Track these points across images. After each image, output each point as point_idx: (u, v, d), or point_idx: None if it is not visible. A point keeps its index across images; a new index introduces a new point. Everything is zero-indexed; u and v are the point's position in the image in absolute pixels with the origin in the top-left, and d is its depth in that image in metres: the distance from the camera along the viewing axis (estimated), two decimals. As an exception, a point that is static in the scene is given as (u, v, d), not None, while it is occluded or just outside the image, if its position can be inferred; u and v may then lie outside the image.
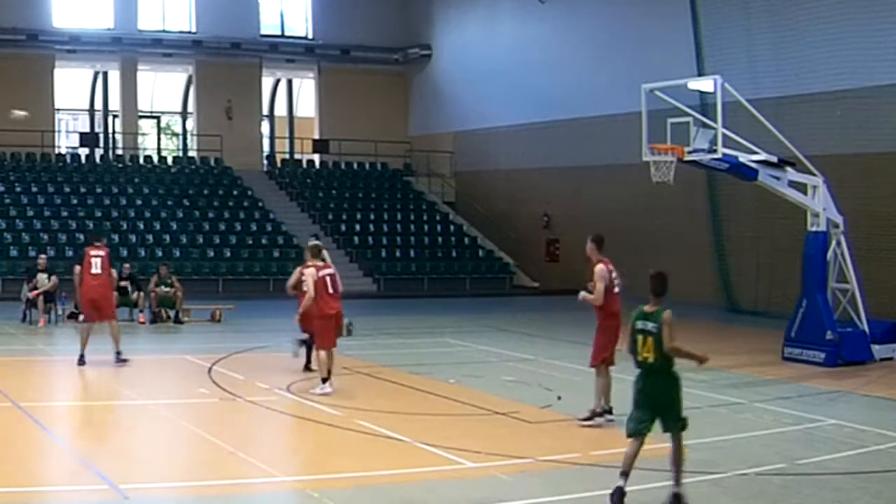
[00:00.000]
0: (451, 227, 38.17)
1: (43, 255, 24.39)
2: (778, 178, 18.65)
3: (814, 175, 18.86)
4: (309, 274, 15.37)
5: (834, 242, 18.89)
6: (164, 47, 38.89)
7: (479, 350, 19.91)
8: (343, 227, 36.06)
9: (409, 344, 21.20)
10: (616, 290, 12.82)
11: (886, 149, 23.79)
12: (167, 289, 23.71)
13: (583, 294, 12.80)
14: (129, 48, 38.12)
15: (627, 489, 9.10)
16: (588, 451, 11.31)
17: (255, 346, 19.72)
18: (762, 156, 18.49)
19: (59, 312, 23.21)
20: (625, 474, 9.09)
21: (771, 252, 26.40)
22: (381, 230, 36.82)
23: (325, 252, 16.29)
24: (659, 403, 9.27)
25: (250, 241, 34.35)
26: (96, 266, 17.16)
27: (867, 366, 18.34)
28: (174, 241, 33.29)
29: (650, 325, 9.17)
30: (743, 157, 18.25)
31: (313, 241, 16.26)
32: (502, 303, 31.61)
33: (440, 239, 37.24)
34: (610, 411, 12.62)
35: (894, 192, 23.68)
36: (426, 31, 41.38)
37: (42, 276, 22.92)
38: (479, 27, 38.73)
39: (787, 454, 11.38)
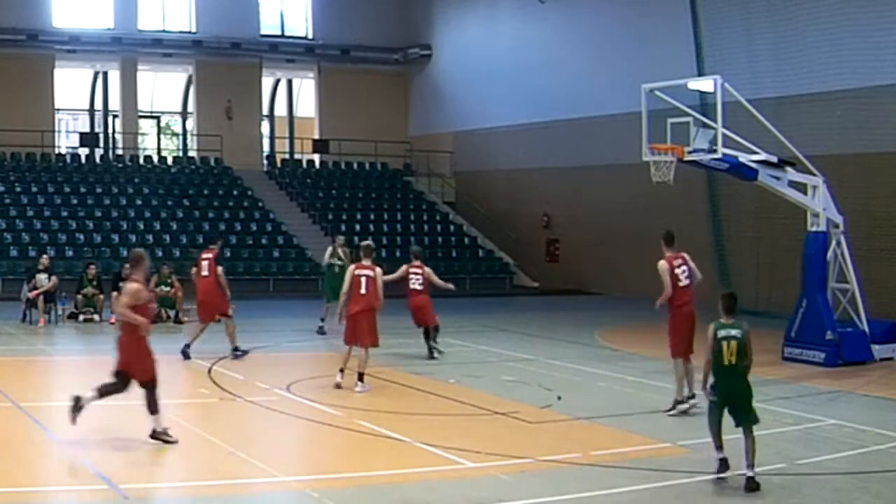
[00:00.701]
0: (451, 227, 38.17)
1: (45, 255, 24.33)
2: (778, 178, 18.65)
3: (814, 175, 18.86)
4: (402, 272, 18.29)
5: (834, 242, 18.88)
6: (164, 47, 38.89)
7: (479, 350, 19.91)
8: (343, 227, 35.98)
9: (409, 344, 21.18)
10: (682, 282, 13.80)
11: (886, 149, 23.78)
12: (167, 289, 23.68)
13: (659, 300, 13.79)
14: (129, 48, 38.11)
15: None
16: (588, 451, 11.31)
17: (255, 347, 19.71)
18: (762, 156, 18.48)
19: (59, 312, 23.18)
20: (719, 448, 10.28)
21: (771, 252, 26.39)
22: (381, 230, 36.81)
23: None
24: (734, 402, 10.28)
25: (250, 241, 34.35)
26: (204, 268, 18.41)
27: (867, 366, 18.34)
28: (174, 241, 33.27)
29: (734, 332, 10.55)
30: (743, 157, 18.25)
31: (366, 242, 16.11)
32: (502, 303, 31.60)
33: (440, 239, 37.24)
34: (693, 397, 13.32)
35: (894, 192, 23.66)
36: (426, 31, 41.37)
37: (42, 276, 22.89)
38: (479, 27, 38.72)
39: (787, 454, 11.37)
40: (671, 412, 13.43)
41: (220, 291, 18.34)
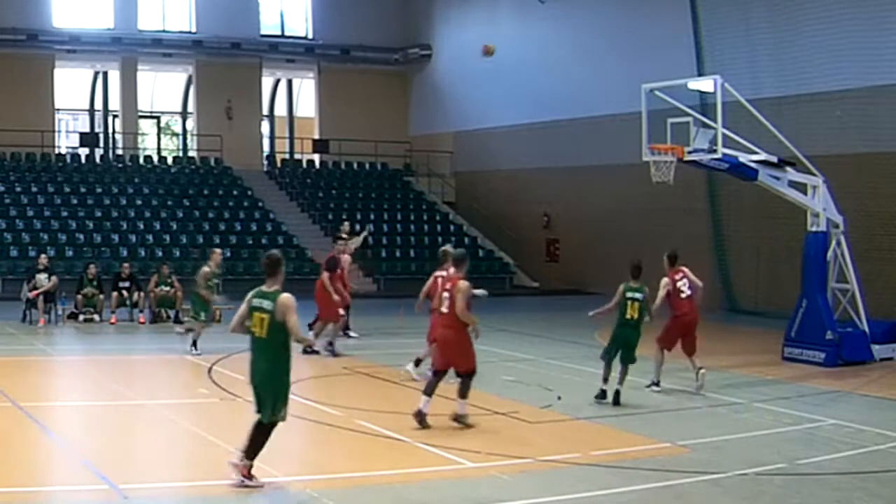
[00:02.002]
0: (451, 227, 38.16)
1: (44, 256, 24.25)
2: (778, 178, 18.65)
3: (814, 175, 18.86)
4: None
5: (834, 242, 18.89)
6: (164, 47, 38.88)
7: (479, 350, 19.82)
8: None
9: (409, 344, 21.15)
10: (684, 293, 15.49)
11: (886, 149, 23.79)
12: (167, 289, 23.69)
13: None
14: (129, 48, 38.10)
15: None
16: (588, 451, 11.31)
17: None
18: (762, 156, 18.49)
19: (59, 312, 23.18)
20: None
21: (771, 252, 26.40)
22: (382, 230, 36.82)
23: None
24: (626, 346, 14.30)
25: (250, 241, 34.33)
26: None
27: (867, 366, 18.35)
28: (174, 241, 33.27)
29: (638, 295, 14.25)
30: (743, 157, 18.25)
31: (447, 248, 15.66)
32: (502, 303, 31.58)
33: (440, 239, 37.17)
34: (657, 384, 15.28)
35: (894, 192, 23.67)
36: (426, 31, 41.37)
37: (41, 276, 22.87)
38: (479, 27, 38.68)
39: (787, 454, 11.38)
40: (649, 387, 15.26)
41: (327, 295, 18.76)
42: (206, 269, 19.38)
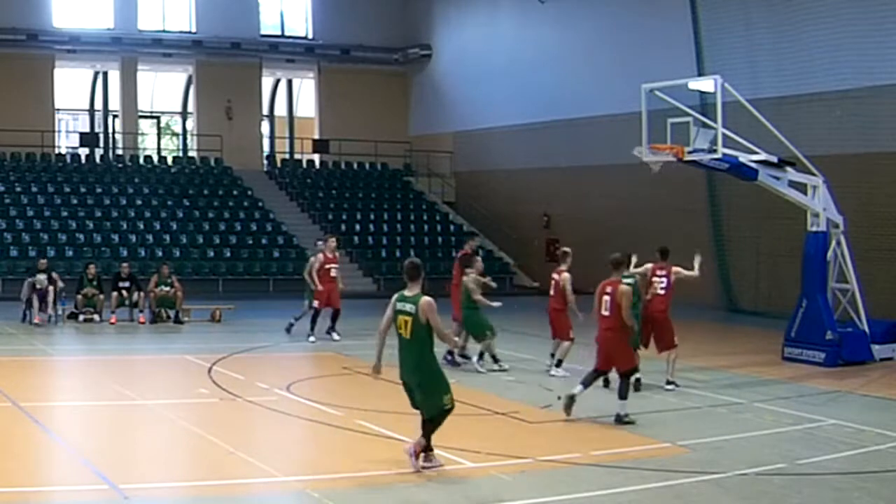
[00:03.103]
0: (451, 227, 38.17)
1: (44, 260, 24.18)
2: (778, 178, 18.64)
3: (814, 175, 18.85)
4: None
5: (834, 242, 18.88)
6: (164, 47, 38.89)
7: (478, 350, 19.86)
8: (343, 227, 36.04)
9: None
10: (657, 290, 15.58)
11: (886, 149, 23.79)
12: (167, 289, 23.69)
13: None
14: (129, 48, 38.11)
15: None
16: (588, 451, 11.31)
17: (255, 347, 19.73)
18: (762, 156, 18.47)
19: (59, 312, 23.19)
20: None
21: (771, 252, 26.40)
22: (381, 230, 36.82)
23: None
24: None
25: (250, 241, 34.36)
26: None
27: (867, 366, 18.35)
28: (174, 241, 33.29)
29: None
30: (743, 157, 18.24)
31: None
32: (502, 303, 31.53)
33: (440, 239, 37.23)
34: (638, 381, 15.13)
35: (894, 192, 23.67)
36: (426, 31, 41.37)
37: (41, 277, 22.87)
38: (479, 27, 38.71)
39: (787, 454, 11.38)
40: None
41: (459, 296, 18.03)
42: (471, 274, 17.48)
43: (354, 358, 18.14)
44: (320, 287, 20.58)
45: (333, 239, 22.19)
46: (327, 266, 20.92)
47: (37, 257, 24.64)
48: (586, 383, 13.10)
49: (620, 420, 12.72)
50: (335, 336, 20.78)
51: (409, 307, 10.29)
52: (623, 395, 12.87)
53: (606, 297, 13.12)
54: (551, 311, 16.92)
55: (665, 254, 15.93)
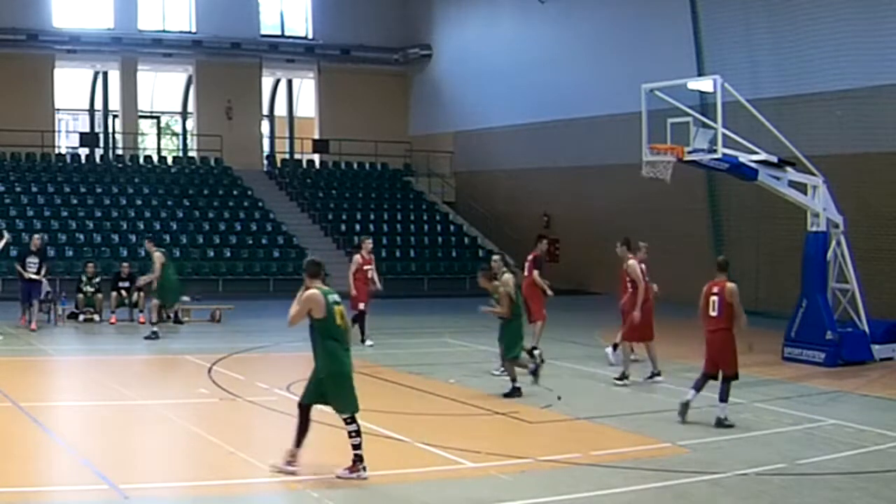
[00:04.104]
0: (451, 227, 38.16)
1: (37, 237, 23.41)
2: (778, 178, 18.65)
3: (814, 175, 18.86)
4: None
5: (834, 242, 18.88)
6: (164, 47, 38.89)
7: (479, 350, 19.90)
8: (343, 227, 36.04)
9: (409, 344, 21.20)
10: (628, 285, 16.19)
11: (886, 149, 23.77)
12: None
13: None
14: (129, 48, 38.11)
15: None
16: (588, 451, 11.31)
17: (255, 346, 19.73)
18: (762, 156, 18.49)
19: (59, 312, 23.16)
20: None
21: (771, 252, 26.38)
22: (381, 230, 36.79)
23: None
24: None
25: (250, 241, 34.35)
26: (525, 269, 18.67)
27: (867, 366, 18.34)
28: (174, 241, 33.26)
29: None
30: (743, 157, 18.25)
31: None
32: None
33: (440, 239, 37.22)
34: (627, 377, 15.89)
35: (894, 192, 23.66)
36: (426, 31, 41.37)
37: (31, 260, 22.05)
38: (479, 27, 38.71)
39: (787, 454, 11.38)
40: (648, 379, 16.08)
41: (537, 293, 18.31)
42: (507, 275, 16.55)
43: (354, 358, 18.07)
44: (354, 291, 20.09)
45: (370, 240, 21.93)
46: (365, 267, 20.76)
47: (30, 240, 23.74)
48: (697, 387, 13.09)
49: (721, 423, 12.69)
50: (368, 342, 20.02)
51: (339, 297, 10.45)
52: (723, 398, 12.81)
53: (714, 298, 13.05)
54: (525, 288, 17.54)
55: (628, 244, 16.38)
